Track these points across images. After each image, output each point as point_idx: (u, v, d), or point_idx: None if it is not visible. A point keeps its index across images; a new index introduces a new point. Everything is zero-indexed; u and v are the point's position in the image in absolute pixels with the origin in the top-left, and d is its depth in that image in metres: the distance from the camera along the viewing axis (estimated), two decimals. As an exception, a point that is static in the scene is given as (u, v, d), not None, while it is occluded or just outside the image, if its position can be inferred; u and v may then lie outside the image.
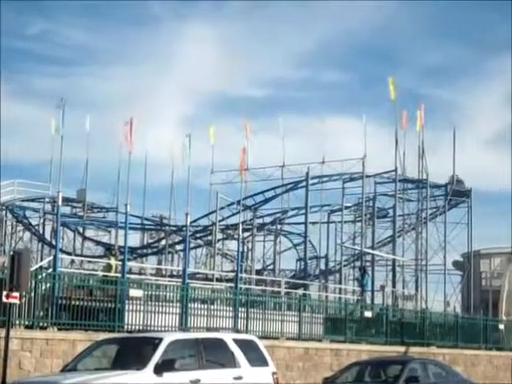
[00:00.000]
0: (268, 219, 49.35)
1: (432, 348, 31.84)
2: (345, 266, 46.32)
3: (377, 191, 46.39)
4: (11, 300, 16.31)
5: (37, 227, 47.62)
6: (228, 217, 47.54)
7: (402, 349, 29.75)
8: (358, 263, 44.94)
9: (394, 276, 44.09)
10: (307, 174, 45.12)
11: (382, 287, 41.74)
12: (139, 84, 77.03)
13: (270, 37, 79.82)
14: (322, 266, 47.51)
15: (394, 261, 44.30)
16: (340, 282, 43.99)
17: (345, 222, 46.42)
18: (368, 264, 44.40)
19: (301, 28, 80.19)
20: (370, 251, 44.59)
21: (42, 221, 47.38)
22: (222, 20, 77.70)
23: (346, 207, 46.05)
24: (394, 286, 43.23)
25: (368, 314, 30.52)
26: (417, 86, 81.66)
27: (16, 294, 16.27)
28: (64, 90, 67.89)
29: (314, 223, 46.73)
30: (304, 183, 45.55)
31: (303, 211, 45.88)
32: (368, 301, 38.55)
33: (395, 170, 44.09)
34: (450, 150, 46.26)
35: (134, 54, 78.87)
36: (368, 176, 44.84)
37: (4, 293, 16.39)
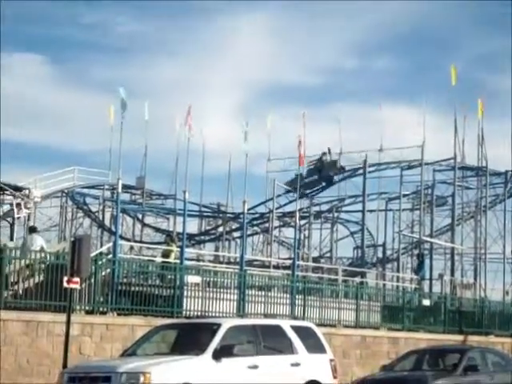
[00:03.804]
0: (325, 207, 49.28)
1: (490, 337, 31.47)
2: (403, 254, 46.04)
3: (435, 179, 45.97)
4: (72, 285, 16.53)
5: (96, 214, 48.17)
6: (285, 204, 47.61)
7: (460, 338, 29.52)
8: (416, 251, 44.61)
9: (452, 264, 43.70)
10: (365, 161, 44.85)
11: (441, 276, 41.32)
12: (195, 74, 77.25)
13: (319, 26, 79.35)
14: (380, 254, 47.30)
15: (452, 249, 43.89)
16: (398, 271, 43.73)
17: (403, 210, 46.10)
18: (426, 252, 44.07)
19: (350, 17, 79.62)
20: (429, 239, 44.23)
21: (101, 207, 47.92)
22: (274, 11, 77.50)
23: (404, 195, 45.72)
24: (452, 274, 42.81)
25: (426, 302, 30.33)
26: (473, 72, 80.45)
27: (77, 279, 16.47)
28: (121, 78, 68.66)
29: (371, 211, 46.51)
30: (361, 171, 45.34)
31: (360, 199, 45.69)
32: (426, 289, 38.27)
33: (454, 158, 43.65)
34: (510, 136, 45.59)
35: (189, 44, 79.03)
36: (427, 164, 44.43)
37: (65, 278, 16.64)
